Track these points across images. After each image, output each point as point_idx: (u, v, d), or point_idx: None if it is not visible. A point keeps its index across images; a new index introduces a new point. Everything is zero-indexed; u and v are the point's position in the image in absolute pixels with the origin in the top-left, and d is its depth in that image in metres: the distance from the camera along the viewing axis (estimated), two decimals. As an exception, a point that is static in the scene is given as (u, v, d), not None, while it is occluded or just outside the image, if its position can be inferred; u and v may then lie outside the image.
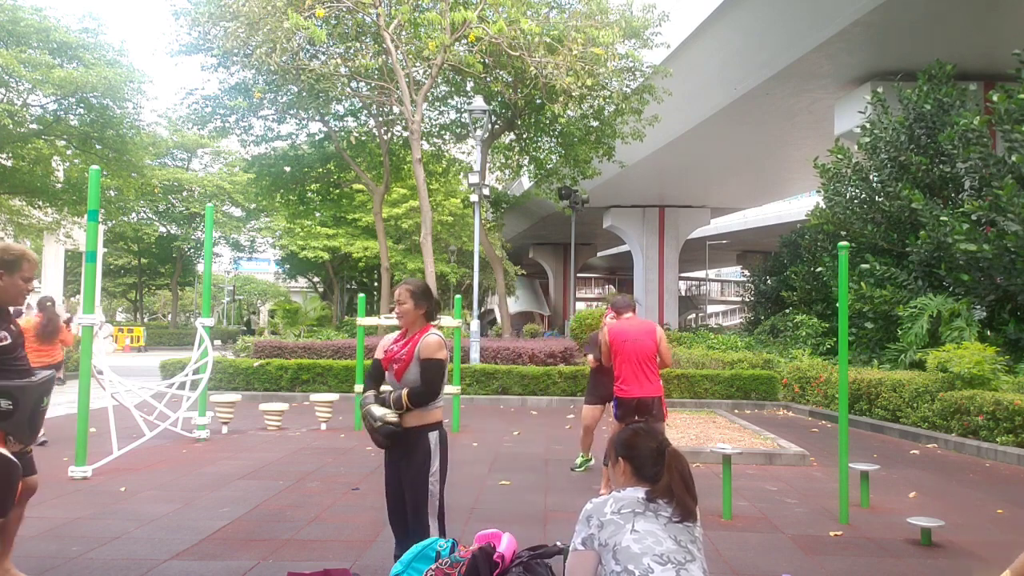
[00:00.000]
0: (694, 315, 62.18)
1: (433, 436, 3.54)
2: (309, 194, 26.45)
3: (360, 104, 21.07)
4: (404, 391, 3.48)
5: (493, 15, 16.27)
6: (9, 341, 3.42)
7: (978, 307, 12.82)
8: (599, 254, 57.52)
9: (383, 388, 3.65)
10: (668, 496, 2.36)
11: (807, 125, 21.95)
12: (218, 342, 35.61)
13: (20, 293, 3.48)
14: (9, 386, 3.37)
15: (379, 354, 3.72)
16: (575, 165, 20.98)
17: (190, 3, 18.04)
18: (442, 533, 3.55)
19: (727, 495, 5.46)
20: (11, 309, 3.60)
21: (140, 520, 5.04)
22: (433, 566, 3.51)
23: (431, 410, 3.55)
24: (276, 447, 8.26)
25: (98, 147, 20.87)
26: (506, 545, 3.49)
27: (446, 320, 10.72)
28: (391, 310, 24.49)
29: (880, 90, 16.02)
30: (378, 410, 3.50)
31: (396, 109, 19.10)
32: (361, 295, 11.05)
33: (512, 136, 22.03)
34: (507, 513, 5.47)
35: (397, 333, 3.73)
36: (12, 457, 3.41)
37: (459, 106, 21.67)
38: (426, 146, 21.71)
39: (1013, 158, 12.03)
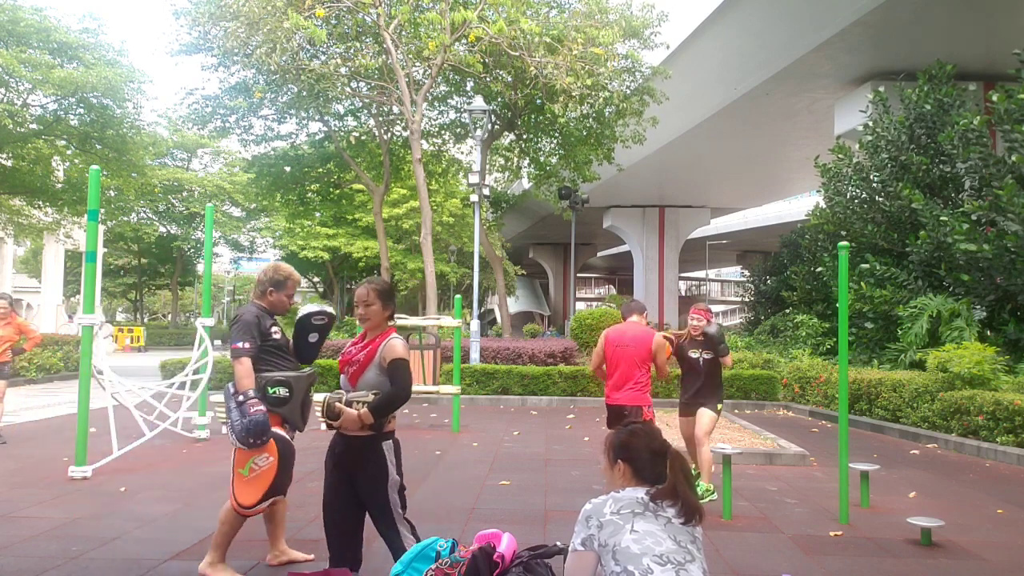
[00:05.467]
0: (694, 315, 62.05)
1: (387, 445, 3.39)
2: (309, 194, 26.43)
3: (360, 104, 21.07)
4: (365, 404, 3.25)
5: (493, 15, 16.27)
6: (280, 336, 4.00)
7: (978, 307, 12.81)
8: (599, 254, 57.49)
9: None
10: (673, 498, 2.36)
11: (807, 125, 21.94)
12: (218, 342, 35.61)
13: (284, 307, 4.14)
14: (288, 376, 3.92)
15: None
16: (575, 168, 20.97)
17: (190, 3, 18.02)
18: (416, 537, 3.46)
19: (727, 495, 5.46)
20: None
21: (140, 520, 5.04)
22: (433, 566, 3.51)
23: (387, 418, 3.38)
24: (276, 447, 8.24)
25: (98, 147, 20.85)
26: (506, 545, 3.49)
27: (446, 320, 10.72)
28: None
29: (882, 89, 16.01)
30: (350, 394, 3.32)
31: (396, 109, 19.09)
32: (361, 295, 11.01)
33: (512, 136, 22.03)
34: (507, 513, 5.47)
35: (357, 338, 3.60)
36: (290, 439, 3.93)
37: (459, 106, 21.66)
38: (426, 146, 21.70)
39: (1013, 158, 12.03)
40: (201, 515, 5.19)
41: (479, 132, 17.23)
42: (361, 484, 3.39)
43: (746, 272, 43.24)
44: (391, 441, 3.42)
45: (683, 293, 61.57)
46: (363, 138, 23.18)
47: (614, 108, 18.03)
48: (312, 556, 4.28)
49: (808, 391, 12.92)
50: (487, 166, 20.40)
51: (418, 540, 3.47)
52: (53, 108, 20.52)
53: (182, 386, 8.58)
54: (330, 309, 4.33)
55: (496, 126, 19.90)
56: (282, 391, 3.88)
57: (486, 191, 17.37)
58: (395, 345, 3.38)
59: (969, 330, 11.85)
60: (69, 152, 22.25)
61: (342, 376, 3.51)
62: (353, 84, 19.19)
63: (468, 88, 20.37)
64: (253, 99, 19.18)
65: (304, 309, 4.24)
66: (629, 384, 5.52)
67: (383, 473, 3.35)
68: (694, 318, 6.28)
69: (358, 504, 3.48)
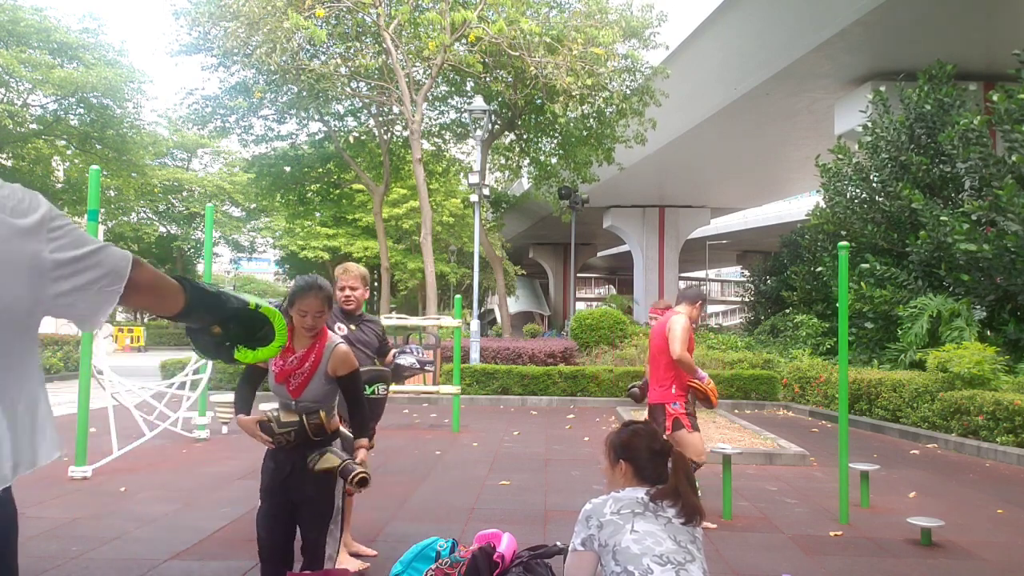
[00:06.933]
0: (694, 315, 62.06)
1: (337, 443, 3.10)
2: (309, 194, 26.48)
3: (360, 104, 21.09)
4: (362, 446, 3.09)
5: (493, 15, 16.29)
6: (345, 333, 4.03)
7: (978, 307, 12.80)
8: (599, 254, 57.48)
9: (271, 409, 3.03)
10: (674, 499, 2.36)
11: (807, 125, 21.94)
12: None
13: (340, 301, 4.14)
14: (384, 372, 4.15)
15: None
16: (576, 169, 20.97)
17: (190, 3, 18.05)
18: (334, 556, 3.26)
19: (727, 495, 5.45)
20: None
21: (140, 520, 5.04)
22: (433, 566, 3.51)
23: (334, 416, 3.09)
24: (276, 447, 8.24)
25: (98, 147, 20.91)
26: (506, 545, 3.49)
27: (446, 320, 10.71)
28: (392, 310, 24.44)
29: (882, 89, 16.01)
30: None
31: (396, 109, 19.11)
32: (361, 295, 11.01)
33: (512, 136, 22.04)
34: (507, 513, 5.46)
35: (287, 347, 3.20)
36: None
37: (459, 106, 21.69)
38: (426, 146, 21.72)
39: (1013, 158, 12.03)
40: (201, 515, 5.19)
41: (479, 132, 17.23)
42: (311, 486, 3.00)
43: (746, 272, 43.24)
44: (339, 439, 3.15)
45: (683, 293, 61.40)
46: (363, 138, 23.20)
47: (614, 108, 18.05)
48: (375, 552, 4.31)
49: (808, 391, 12.92)
50: (487, 166, 20.41)
51: (335, 558, 3.31)
52: (53, 108, 20.57)
53: (182, 386, 8.59)
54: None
55: (496, 126, 19.91)
56: (381, 389, 4.15)
57: (486, 191, 17.38)
58: (344, 352, 3.08)
59: (969, 330, 11.85)
60: (69, 152, 22.31)
61: (277, 386, 3.06)
62: (353, 84, 19.21)
63: (468, 88, 20.39)
64: (253, 99, 19.20)
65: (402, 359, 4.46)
66: (655, 380, 5.25)
67: (331, 480, 3.08)
68: (652, 318, 6.17)
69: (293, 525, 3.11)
